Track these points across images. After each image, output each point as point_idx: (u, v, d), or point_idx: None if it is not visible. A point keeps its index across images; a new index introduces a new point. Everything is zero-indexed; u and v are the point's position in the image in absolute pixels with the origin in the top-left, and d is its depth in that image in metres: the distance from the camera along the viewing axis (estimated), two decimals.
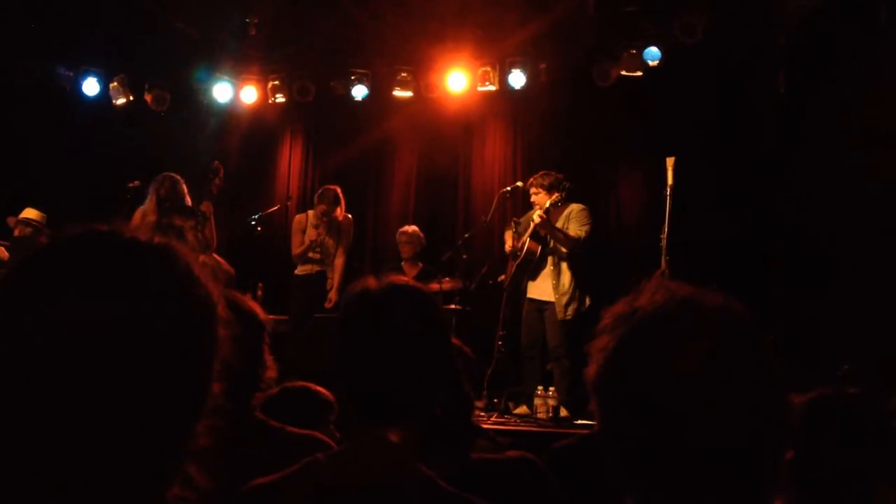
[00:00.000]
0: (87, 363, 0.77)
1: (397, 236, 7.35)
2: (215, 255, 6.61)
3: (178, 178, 6.30)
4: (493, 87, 7.86)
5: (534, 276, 6.36)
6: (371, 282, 1.49)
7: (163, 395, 0.81)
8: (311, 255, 7.12)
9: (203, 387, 0.86)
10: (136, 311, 0.80)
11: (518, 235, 6.49)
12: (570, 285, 6.18)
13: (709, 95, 7.08)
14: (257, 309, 2.04)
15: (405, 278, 1.54)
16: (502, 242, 6.79)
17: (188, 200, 6.32)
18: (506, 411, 6.09)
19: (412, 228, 7.34)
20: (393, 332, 1.44)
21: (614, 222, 7.84)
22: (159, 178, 6.27)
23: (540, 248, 6.29)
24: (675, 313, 0.97)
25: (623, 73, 7.37)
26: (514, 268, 6.40)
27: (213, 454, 0.87)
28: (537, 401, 5.94)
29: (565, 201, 6.23)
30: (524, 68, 7.66)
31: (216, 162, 6.66)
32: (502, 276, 6.62)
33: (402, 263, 7.25)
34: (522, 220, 6.63)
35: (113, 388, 0.78)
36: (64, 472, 0.77)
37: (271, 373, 2.01)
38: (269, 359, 2.02)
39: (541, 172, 6.43)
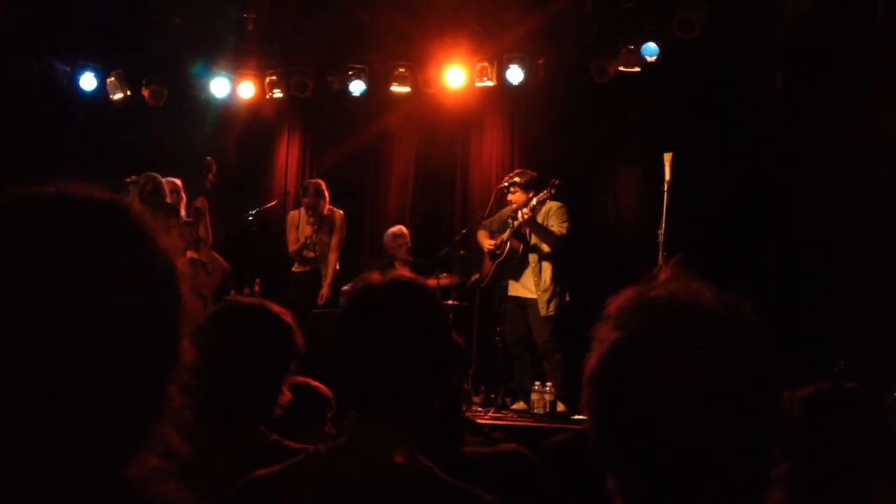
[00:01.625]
0: (45, 331, 0.75)
1: (389, 240, 7.23)
2: (212, 252, 6.60)
3: (160, 178, 6.22)
4: (490, 83, 7.85)
5: (516, 275, 6.38)
6: (375, 277, 1.50)
7: (129, 355, 0.80)
8: (306, 253, 7.09)
9: (171, 343, 0.85)
10: (87, 268, 0.79)
11: (493, 234, 6.53)
12: (551, 282, 6.22)
13: (707, 91, 7.09)
14: (295, 331, 2.00)
15: (408, 274, 1.54)
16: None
17: (169, 199, 6.27)
18: (503, 407, 6.10)
19: (401, 229, 7.28)
20: (395, 327, 1.44)
21: (612, 217, 7.84)
22: (140, 180, 6.19)
23: (522, 245, 6.32)
24: (685, 317, 0.95)
25: (621, 68, 7.37)
26: (493, 267, 6.42)
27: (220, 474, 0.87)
28: (534, 396, 5.95)
29: (541, 200, 6.23)
30: (522, 64, 7.65)
31: (209, 158, 6.64)
32: (476, 276, 6.65)
33: (395, 262, 7.21)
34: (494, 218, 6.66)
35: (77, 353, 0.76)
36: (35, 442, 0.75)
37: (284, 400, 1.99)
38: (286, 386, 2.01)
39: (516, 171, 6.53)
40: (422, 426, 1.47)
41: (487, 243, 6.52)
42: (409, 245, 7.24)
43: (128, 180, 6.43)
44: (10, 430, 0.75)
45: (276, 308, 2.02)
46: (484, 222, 6.70)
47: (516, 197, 6.34)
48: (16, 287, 0.76)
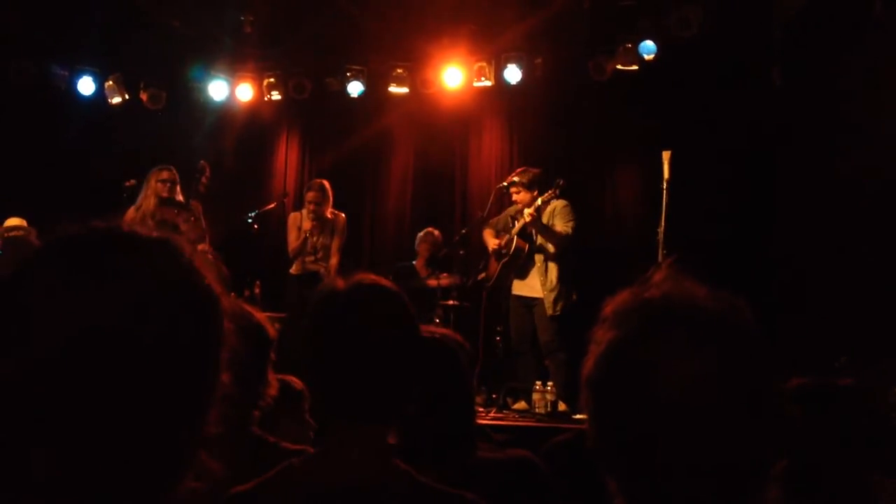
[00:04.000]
0: (96, 360, 0.77)
1: (430, 244, 7.29)
2: (209, 255, 6.59)
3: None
4: (488, 83, 7.86)
5: (521, 274, 6.37)
6: (339, 282, 1.49)
7: (173, 386, 0.82)
8: (307, 258, 7.06)
9: (212, 377, 0.87)
10: (142, 305, 0.80)
11: (498, 234, 6.52)
12: (558, 281, 6.21)
13: (704, 89, 7.09)
14: (265, 323, 2.04)
15: (374, 276, 1.52)
16: None
17: (180, 196, 6.32)
18: (504, 406, 6.10)
19: (437, 233, 7.36)
20: (361, 331, 1.43)
21: (611, 216, 7.85)
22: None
23: (527, 245, 6.31)
24: (680, 317, 0.95)
25: (619, 67, 7.38)
26: (499, 266, 6.41)
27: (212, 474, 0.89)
28: (535, 396, 5.94)
29: (545, 200, 6.22)
30: (520, 63, 7.65)
31: (202, 161, 6.64)
32: (482, 275, 6.64)
33: (415, 262, 7.27)
34: (500, 218, 6.65)
35: (124, 383, 0.78)
36: (80, 470, 0.77)
37: (272, 390, 2.00)
38: (271, 375, 2.02)
39: (519, 170, 6.48)
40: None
41: (493, 242, 6.51)
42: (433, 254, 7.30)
43: (127, 184, 6.43)
44: (84, 454, 0.78)
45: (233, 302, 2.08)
46: (490, 221, 6.69)
47: (521, 196, 6.32)
48: (92, 318, 0.78)
